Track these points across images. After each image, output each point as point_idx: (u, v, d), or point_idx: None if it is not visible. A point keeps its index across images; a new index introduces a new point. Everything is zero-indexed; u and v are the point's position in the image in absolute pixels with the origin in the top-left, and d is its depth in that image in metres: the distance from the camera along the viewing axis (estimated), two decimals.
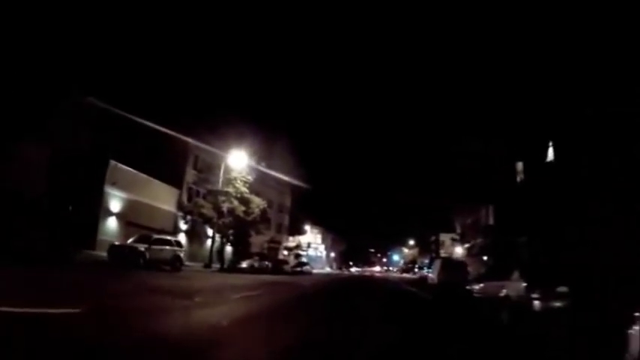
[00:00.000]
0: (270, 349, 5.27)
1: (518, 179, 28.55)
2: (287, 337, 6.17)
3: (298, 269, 44.31)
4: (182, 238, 36.44)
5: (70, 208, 24.11)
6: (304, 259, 60.52)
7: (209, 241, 33.71)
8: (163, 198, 34.08)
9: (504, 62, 31.88)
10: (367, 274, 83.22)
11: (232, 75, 72.40)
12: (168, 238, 23.82)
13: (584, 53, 19.39)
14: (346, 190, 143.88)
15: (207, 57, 67.36)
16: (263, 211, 35.95)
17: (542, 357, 6.46)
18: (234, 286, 16.27)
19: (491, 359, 6.30)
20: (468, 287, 13.65)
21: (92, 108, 27.48)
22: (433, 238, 68.42)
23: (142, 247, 20.15)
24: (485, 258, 37.37)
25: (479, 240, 42.12)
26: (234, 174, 34.33)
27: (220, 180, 33.58)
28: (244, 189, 34.66)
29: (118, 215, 27.89)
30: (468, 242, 46.83)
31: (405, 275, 72.92)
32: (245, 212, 34.15)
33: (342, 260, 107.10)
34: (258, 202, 35.50)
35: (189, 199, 36.12)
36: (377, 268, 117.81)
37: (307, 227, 73.21)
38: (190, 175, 38.27)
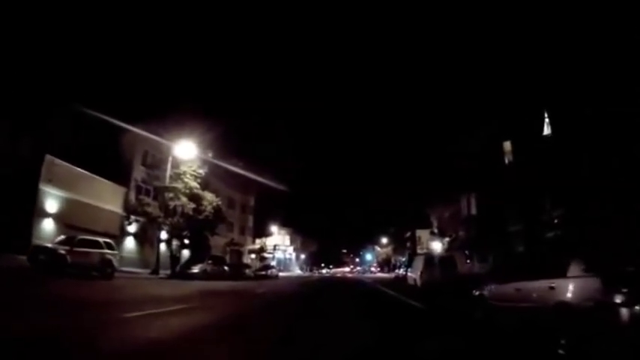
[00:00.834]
0: None
1: (507, 161, 25.25)
2: None
3: (263, 273, 41.55)
4: (130, 241, 32.62)
5: None
6: (272, 262, 57.15)
7: (163, 245, 29.85)
8: (108, 197, 30.38)
9: (504, 63, 29.15)
10: (338, 275, 79.63)
11: (198, 63, 67.34)
12: (97, 239, 20.66)
13: (584, 53, 18.87)
14: (317, 189, 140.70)
15: (182, 44, 62.14)
16: (216, 209, 31.38)
17: None
18: (160, 298, 13.01)
19: None
20: (476, 291, 9.50)
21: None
22: (408, 234, 65.15)
23: (62, 250, 17.63)
24: (466, 252, 34.61)
25: (460, 233, 38.94)
26: (183, 168, 30.15)
27: (167, 174, 29.41)
28: (194, 184, 30.33)
29: (55, 216, 24.80)
30: (448, 236, 43.66)
31: (379, 275, 69.53)
32: (196, 210, 29.67)
33: (314, 262, 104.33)
34: (210, 199, 31.06)
35: (138, 198, 31.25)
36: (348, 269, 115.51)
37: (274, 228, 69.26)
38: (139, 171, 34.29)
